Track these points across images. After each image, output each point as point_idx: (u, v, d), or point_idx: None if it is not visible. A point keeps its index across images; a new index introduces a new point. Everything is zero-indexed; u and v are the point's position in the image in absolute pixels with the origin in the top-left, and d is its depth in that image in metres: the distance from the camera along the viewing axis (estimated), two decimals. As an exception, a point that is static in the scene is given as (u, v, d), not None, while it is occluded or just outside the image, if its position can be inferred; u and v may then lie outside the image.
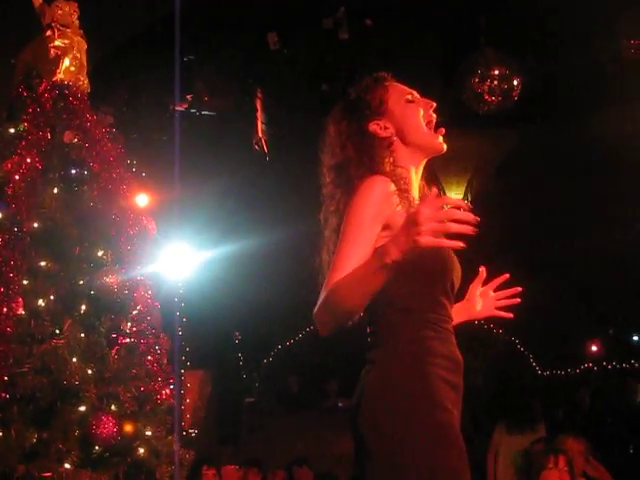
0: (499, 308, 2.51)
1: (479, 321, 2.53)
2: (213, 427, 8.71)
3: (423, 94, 2.33)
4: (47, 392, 3.44)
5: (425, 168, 2.31)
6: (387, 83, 2.31)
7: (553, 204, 9.25)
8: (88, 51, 4.27)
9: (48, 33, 4.17)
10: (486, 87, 6.81)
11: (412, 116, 2.25)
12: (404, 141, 2.24)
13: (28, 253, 3.61)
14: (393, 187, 2.05)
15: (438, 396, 2.00)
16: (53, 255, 3.75)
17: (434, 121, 2.27)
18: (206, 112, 7.50)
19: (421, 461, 1.92)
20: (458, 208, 1.75)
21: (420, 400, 1.98)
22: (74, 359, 3.52)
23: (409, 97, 2.28)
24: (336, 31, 6.84)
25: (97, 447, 3.45)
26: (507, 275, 2.48)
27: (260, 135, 7.60)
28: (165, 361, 3.86)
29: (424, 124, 2.25)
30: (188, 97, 7.23)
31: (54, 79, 4.06)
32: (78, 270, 3.81)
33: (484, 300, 2.50)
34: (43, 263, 3.71)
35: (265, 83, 7.59)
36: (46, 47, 4.15)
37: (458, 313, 2.43)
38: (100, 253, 3.91)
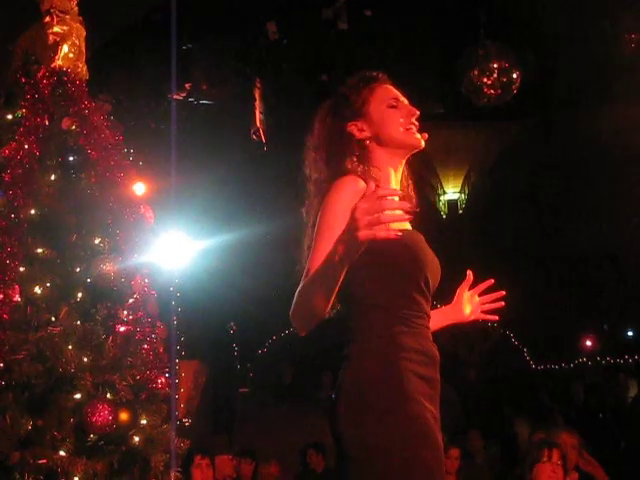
0: (485, 311, 2.57)
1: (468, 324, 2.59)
2: (207, 417, 8.71)
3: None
4: (43, 379, 3.42)
5: (407, 164, 2.34)
6: (375, 84, 2.32)
7: (549, 199, 9.28)
8: (87, 38, 4.24)
9: (47, 19, 4.13)
10: (485, 80, 6.81)
11: (390, 122, 2.27)
12: (380, 144, 2.27)
13: (25, 240, 3.58)
14: (363, 185, 2.07)
15: (409, 389, 2.04)
16: (50, 242, 3.72)
17: (415, 128, 2.28)
18: (204, 101, 7.49)
19: (394, 453, 1.97)
20: (393, 197, 1.77)
21: (391, 393, 2.03)
22: (70, 347, 3.50)
23: (392, 102, 2.29)
24: (335, 21, 6.83)
25: (92, 435, 3.42)
26: (492, 280, 2.55)
27: (258, 125, 7.60)
28: (161, 350, 3.85)
29: (402, 129, 2.26)
30: (186, 85, 7.22)
31: (52, 65, 4.02)
32: (75, 258, 3.78)
33: (471, 304, 2.55)
34: (40, 250, 3.68)
35: (264, 73, 7.58)
36: (45, 33, 4.10)
37: (446, 316, 2.52)
38: (97, 241, 3.87)
